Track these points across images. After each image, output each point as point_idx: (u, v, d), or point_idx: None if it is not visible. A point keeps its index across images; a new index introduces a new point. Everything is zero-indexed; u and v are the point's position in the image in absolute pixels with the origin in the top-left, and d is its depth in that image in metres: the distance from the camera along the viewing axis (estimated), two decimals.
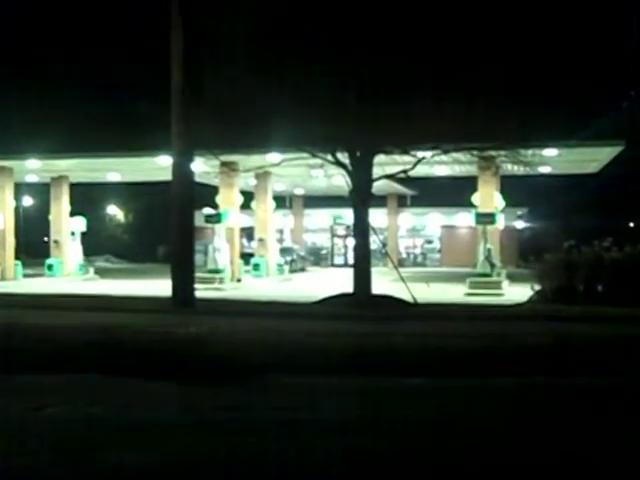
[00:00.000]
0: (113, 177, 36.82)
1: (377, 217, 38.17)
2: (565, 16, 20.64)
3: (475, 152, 22.03)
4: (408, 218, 50.67)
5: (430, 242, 51.77)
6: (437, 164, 27.91)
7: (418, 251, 51.88)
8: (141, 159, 30.17)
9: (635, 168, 40.61)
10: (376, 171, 21.60)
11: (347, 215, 38.00)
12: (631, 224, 55.27)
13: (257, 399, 8.41)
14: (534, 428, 6.98)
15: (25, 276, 33.16)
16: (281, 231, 48.33)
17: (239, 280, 30.29)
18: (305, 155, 21.71)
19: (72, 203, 35.79)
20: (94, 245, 45.23)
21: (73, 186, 36.04)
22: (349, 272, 22.45)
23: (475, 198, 28.27)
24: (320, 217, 51.45)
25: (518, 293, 22.72)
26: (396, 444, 6.38)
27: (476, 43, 18.66)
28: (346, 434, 6.69)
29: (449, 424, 7.17)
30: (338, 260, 50.96)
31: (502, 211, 28.64)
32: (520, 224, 50.68)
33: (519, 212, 48.80)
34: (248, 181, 33.41)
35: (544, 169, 29.74)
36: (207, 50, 20.04)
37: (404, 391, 8.96)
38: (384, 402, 8.30)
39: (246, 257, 33.79)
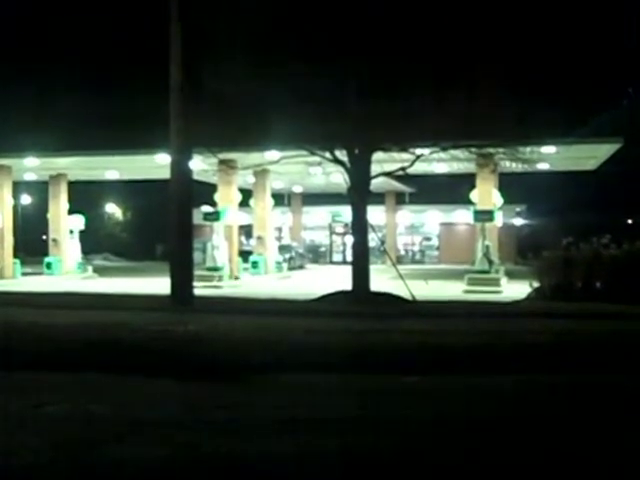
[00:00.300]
0: (111, 175, 36.80)
1: (375, 214, 38.16)
2: (564, 14, 20.66)
3: (473, 149, 22.05)
4: (406, 215, 50.67)
5: (428, 239, 51.78)
6: (435, 161, 27.90)
7: (416, 248, 51.90)
8: (139, 157, 30.17)
9: (633, 165, 40.67)
10: (374, 168, 21.61)
11: (345, 212, 37.99)
12: (629, 221, 55.28)
13: (256, 397, 8.42)
14: (534, 427, 6.98)
15: (24, 274, 33.15)
16: (280, 229, 48.34)
17: (237, 278, 30.29)
18: (304, 153, 21.71)
19: (70, 201, 35.79)
20: (93, 243, 45.22)
21: (71, 184, 36.03)
22: (348, 269, 22.45)
23: (473, 195, 28.28)
24: (318, 215, 51.43)
25: (516, 290, 22.74)
26: (396, 443, 6.38)
27: (474, 40, 18.67)
28: (346, 433, 6.70)
29: (448, 423, 7.18)
30: (337, 257, 50.97)
31: (500, 208, 28.64)
32: (518, 221, 50.69)
33: (517, 209, 48.81)
34: (247, 179, 33.40)
35: (542, 166, 29.77)
36: (206, 48, 20.04)
37: (403, 389, 8.97)
38: (383, 400, 8.30)
39: (245, 255, 33.79)
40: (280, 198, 45.24)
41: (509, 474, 5.68)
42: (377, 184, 24.48)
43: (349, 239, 41.60)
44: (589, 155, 29.59)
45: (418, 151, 22.06)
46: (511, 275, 27.90)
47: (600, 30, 21.90)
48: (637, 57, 26.11)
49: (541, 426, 6.99)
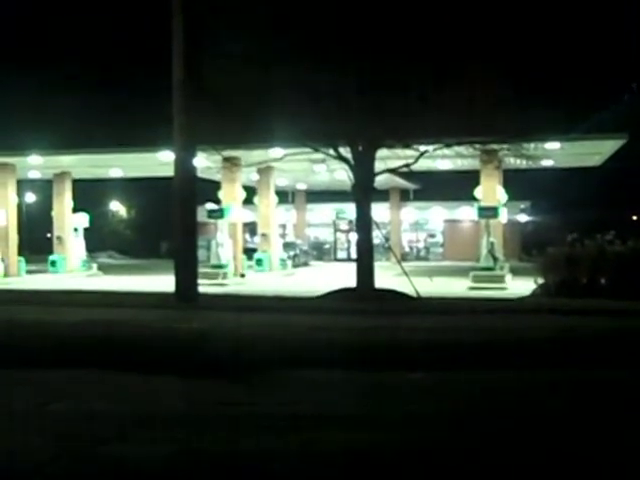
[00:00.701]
0: (115, 173, 36.84)
1: (380, 211, 38.17)
2: (567, 9, 20.61)
3: (477, 146, 22.02)
4: (411, 212, 50.65)
5: (433, 236, 51.77)
6: (439, 158, 27.89)
7: (421, 245, 51.88)
8: (143, 155, 30.18)
9: (638, 161, 40.58)
10: (378, 165, 21.58)
11: (350, 210, 37.99)
12: (634, 217, 55.20)
13: (260, 394, 8.41)
14: (536, 424, 6.97)
15: (28, 272, 33.20)
16: (284, 226, 48.35)
17: (242, 275, 30.32)
18: (307, 150, 21.69)
19: (75, 199, 35.84)
20: (97, 241, 45.28)
21: (75, 182, 36.08)
22: (352, 267, 22.44)
23: (478, 192, 28.25)
24: (323, 212, 51.44)
25: (521, 287, 22.70)
26: (399, 440, 6.38)
27: (478, 37, 18.63)
28: (350, 429, 6.69)
29: (452, 420, 7.17)
30: (341, 254, 50.98)
31: (505, 205, 28.61)
32: (523, 218, 50.63)
33: (522, 206, 48.75)
34: (250, 176, 33.41)
35: (547, 162, 29.74)
36: (209, 45, 20.02)
37: (407, 385, 8.96)
38: (387, 396, 8.30)
39: (249, 252, 33.81)
40: (284, 195, 45.24)
41: (510, 473, 5.66)
42: (381, 181, 24.45)
43: (353, 236, 41.58)
44: (593, 151, 29.55)
45: (422, 148, 22.04)
46: (516, 272, 27.86)
47: (603, 26, 21.85)
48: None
49: (543, 424, 6.97)
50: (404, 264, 26.24)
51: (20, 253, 33.25)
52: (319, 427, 6.75)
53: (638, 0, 24.70)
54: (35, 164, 32.29)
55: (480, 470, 5.62)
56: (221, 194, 31.12)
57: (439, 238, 51.57)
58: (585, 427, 6.85)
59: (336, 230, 52.02)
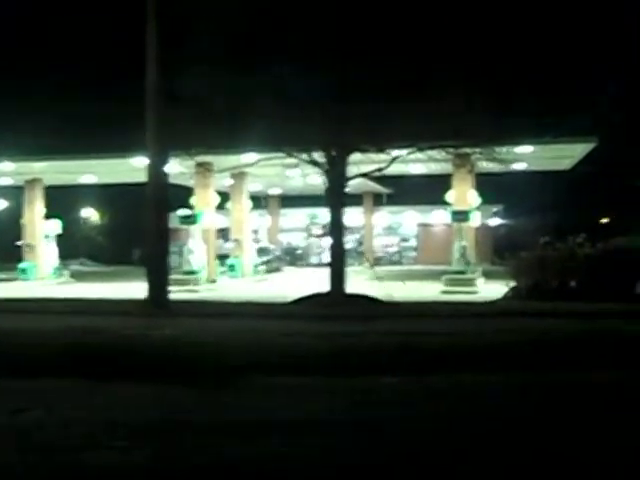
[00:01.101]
0: (88, 179, 36.61)
1: (353, 216, 38.23)
2: (538, 13, 20.77)
3: (450, 150, 22.11)
4: (384, 216, 50.76)
5: (406, 240, 51.89)
6: (412, 162, 27.97)
7: (394, 249, 51.97)
8: (116, 161, 30.02)
9: (608, 164, 40.98)
10: (352, 170, 21.61)
11: (323, 214, 38.01)
12: (604, 220, 55.66)
13: (232, 400, 8.41)
14: (513, 427, 7.02)
15: None
16: (256, 231, 48.26)
17: (213, 281, 30.21)
18: (281, 155, 21.68)
19: (47, 206, 35.53)
20: (70, 248, 44.90)
21: (48, 189, 35.79)
22: (324, 272, 22.45)
23: (449, 196, 28.33)
24: (296, 217, 51.44)
25: (493, 290, 22.83)
26: (379, 444, 6.41)
27: (449, 42, 18.74)
28: (328, 434, 6.71)
29: (429, 424, 7.21)
30: (314, 260, 50.96)
31: (478, 208, 28.72)
32: (495, 221, 50.87)
33: (494, 209, 49.00)
34: (223, 182, 33.33)
35: (520, 166, 29.92)
36: (181, 48, 19.97)
37: (382, 390, 8.99)
38: (363, 401, 8.33)
39: (222, 258, 33.71)
40: (257, 201, 45.17)
41: (493, 474, 5.71)
42: (355, 185, 24.46)
43: (326, 241, 41.59)
44: (564, 155, 29.77)
45: (395, 152, 22.10)
46: (488, 275, 28.00)
47: (575, 29, 22.03)
48: (611, 56, 26.33)
49: (519, 425, 7.03)
50: (377, 268, 26.31)
51: None
52: (295, 432, 6.76)
53: (611, 6, 24.97)
54: (6, 170, 32.02)
55: (463, 472, 5.66)
56: (194, 200, 31.02)
57: (412, 242, 51.69)
58: (558, 429, 6.91)
59: (309, 235, 52.01)
